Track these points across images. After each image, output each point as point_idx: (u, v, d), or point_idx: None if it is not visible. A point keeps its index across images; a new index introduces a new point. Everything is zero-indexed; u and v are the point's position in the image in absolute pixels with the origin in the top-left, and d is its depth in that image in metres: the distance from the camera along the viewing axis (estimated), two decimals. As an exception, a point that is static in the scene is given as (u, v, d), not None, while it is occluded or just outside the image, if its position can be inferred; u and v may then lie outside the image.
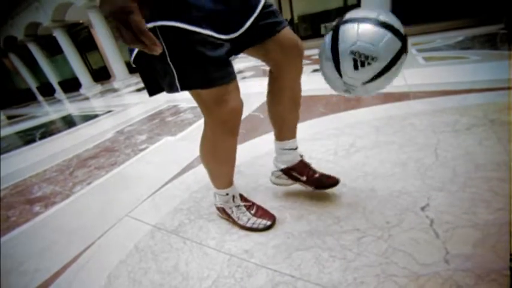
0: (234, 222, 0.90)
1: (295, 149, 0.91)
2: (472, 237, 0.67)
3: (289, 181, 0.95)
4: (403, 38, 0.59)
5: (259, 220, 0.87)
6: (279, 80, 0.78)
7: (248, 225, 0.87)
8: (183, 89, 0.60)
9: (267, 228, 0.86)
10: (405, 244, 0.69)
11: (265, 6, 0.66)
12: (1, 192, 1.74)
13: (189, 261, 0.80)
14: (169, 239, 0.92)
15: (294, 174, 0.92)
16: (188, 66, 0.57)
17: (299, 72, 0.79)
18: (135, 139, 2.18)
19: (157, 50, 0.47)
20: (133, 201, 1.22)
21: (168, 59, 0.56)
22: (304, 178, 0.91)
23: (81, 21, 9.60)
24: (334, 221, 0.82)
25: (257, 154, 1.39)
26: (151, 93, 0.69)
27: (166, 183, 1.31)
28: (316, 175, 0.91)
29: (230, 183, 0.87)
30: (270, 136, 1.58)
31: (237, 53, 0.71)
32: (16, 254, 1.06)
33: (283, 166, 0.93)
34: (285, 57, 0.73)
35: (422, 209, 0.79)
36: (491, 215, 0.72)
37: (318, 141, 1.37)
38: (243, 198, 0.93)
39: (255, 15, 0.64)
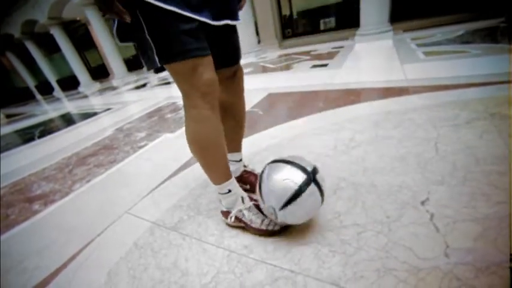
0: (248, 227, 0.82)
1: (239, 161, 1.01)
2: (472, 231, 0.67)
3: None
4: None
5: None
6: (221, 100, 0.83)
7: (263, 227, 0.80)
8: (161, 62, 0.62)
9: (284, 228, 0.80)
10: (405, 238, 0.69)
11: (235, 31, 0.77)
12: (1, 191, 1.73)
13: (189, 258, 0.80)
14: (169, 236, 0.92)
15: (239, 184, 0.95)
16: (165, 39, 0.59)
17: (241, 92, 0.90)
18: (134, 136, 2.17)
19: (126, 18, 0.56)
20: (132, 198, 1.22)
21: (146, 33, 0.59)
22: (247, 186, 1.01)
23: (78, 19, 9.52)
24: (334, 215, 0.82)
25: (256, 150, 1.38)
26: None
27: (165, 180, 1.30)
28: None
29: (227, 175, 0.81)
30: (269, 132, 1.58)
31: None
32: (16, 252, 1.06)
33: None
34: (230, 80, 0.84)
35: (422, 203, 0.79)
36: (491, 209, 0.71)
37: (317, 136, 1.37)
38: (252, 198, 0.88)
39: (230, 22, 0.69)
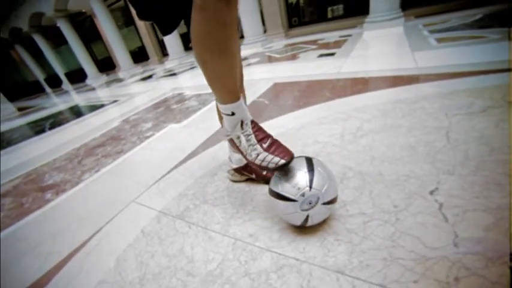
0: (244, 157, 0.75)
1: None
2: (483, 221, 0.65)
3: (243, 177, 1.05)
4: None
5: (271, 157, 0.68)
6: None
7: (257, 162, 0.70)
8: None
9: (280, 167, 0.67)
10: (413, 228, 0.68)
11: None
12: (15, 181, 1.79)
13: (194, 245, 0.81)
14: (175, 224, 0.93)
15: (245, 173, 1.02)
16: None
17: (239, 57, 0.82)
18: (141, 127, 2.19)
19: None
20: (139, 187, 1.24)
21: None
22: (253, 176, 1.01)
23: (83, 11, 9.51)
24: (340, 204, 0.81)
25: (262, 140, 1.37)
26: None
27: (171, 170, 1.32)
28: (264, 172, 0.99)
29: (235, 95, 0.68)
30: (275, 121, 1.56)
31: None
32: (30, 237, 1.10)
33: (235, 166, 1.02)
34: None
35: (431, 193, 0.77)
36: (505, 199, 0.69)
37: (324, 125, 1.34)
38: (255, 126, 0.73)
39: None
